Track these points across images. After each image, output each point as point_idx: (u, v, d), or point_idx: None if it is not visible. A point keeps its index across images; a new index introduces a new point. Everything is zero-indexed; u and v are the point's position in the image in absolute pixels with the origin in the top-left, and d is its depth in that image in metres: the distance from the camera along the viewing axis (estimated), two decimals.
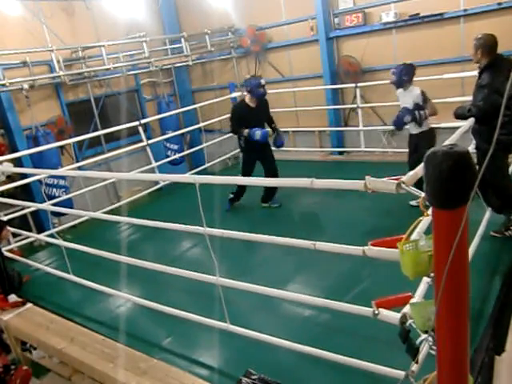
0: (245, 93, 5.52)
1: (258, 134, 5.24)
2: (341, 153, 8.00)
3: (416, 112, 4.69)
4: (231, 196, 5.77)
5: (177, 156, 8.24)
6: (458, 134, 3.16)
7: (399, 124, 4.85)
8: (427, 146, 4.63)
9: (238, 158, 8.77)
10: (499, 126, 1.47)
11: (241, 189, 5.65)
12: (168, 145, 8.56)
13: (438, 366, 1.60)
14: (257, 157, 5.57)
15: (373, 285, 3.59)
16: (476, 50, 3.71)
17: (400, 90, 4.96)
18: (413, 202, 4.75)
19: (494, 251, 3.82)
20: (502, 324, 2.97)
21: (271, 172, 5.54)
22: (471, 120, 3.67)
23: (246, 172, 5.50)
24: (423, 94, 4.81)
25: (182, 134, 8.42)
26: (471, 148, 3.86)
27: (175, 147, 8.58)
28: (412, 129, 4.97)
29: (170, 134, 7.83)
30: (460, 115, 3.77)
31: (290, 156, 7.62)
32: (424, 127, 4.84)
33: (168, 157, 8.15)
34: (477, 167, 1.38)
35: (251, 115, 5.34)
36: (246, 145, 5.45)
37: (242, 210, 5.85)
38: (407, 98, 4.84)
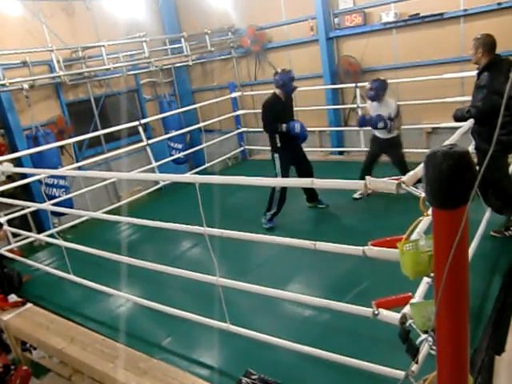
0: (276, 89, 5.08)
1: (297, 126, 4.87)
2: (341, 153, 8.00)
3: (388, 121, 5.13)
4: (271, 212, 5.11)
5: (181, 155, 8.24)
6: (457, 134, 3.16)
7: (363, 125, 5.38)
8: (401, 148, 5.36)
9: (238, 158, 8.81)
10: (499, 126, 1.47)
11: (282, 196, 5.08)
12: (172, 144, 8.56)
13: (438, 366, 1.60)
14: (291, 157, 5.19)
15: (373, 285, 3.59)
16: (476, 49, 3.70)
17: (375, 103, 5.30)
18: (356, 195, 5.52)
19: (494, 251, 3.82)
20: (501, 324, 2.97)
21: (308, 174, 5.17)
22: (471, 121, 3.67)
23: (285, 174, 5.12)
24: (398, 107, 5.28)
25: (183, 133, 8.43)
26: (470, 148, 3.86)
27: (179, 146, 8.56)
28: (381, 134, 5.35)
29: (173, 134, 7.84)
30: (459, 117, 3.76)
31: None
32: (393, 133, 5.30)
33: (172, 156, 8.16)
34: (477, 168, 1.38)
35: (284, 109, 5.08)
36: (281, 143, 5.02)
37: (242, 210, 5.85)
38: (382, 110, 5.21)
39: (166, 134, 8.17)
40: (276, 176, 5.19)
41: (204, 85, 9.89)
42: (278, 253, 4.30)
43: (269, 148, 5.31)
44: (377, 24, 7.13)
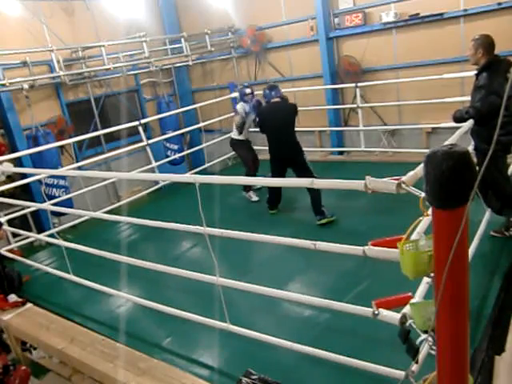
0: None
1: None
2: (341, 153, 7.99)
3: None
4: (323, 205, 5.05)
5: (176, 156, 8.25)
6: (457, 134, 3.16)
7: None
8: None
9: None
10: (499, 126, 1.47)
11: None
12: (168, 145, 8.57)
13: (438, 366, 1.60)
14: None
15: (373, 285, 3.59)
16: (476, 49, 3.70)
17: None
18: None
19: (494, 251, 3.82)
20: (501, 324, 2.97)
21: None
22: (471, 121, 3.67)
23: None
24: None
25: (182, 133, 8.42)
26: (470, 148, 3.87)
27: (175, 147, 8.58)
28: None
29: (170, 134, 7.84)
30: (459, 118, 3.76)
31: None
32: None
33: (168, 157, 8.15)
34: (476, 168, 1.38)
35: None
36: None
37: (242, 210, 5.85)
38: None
39: (163, 134, 8.16)
40: (312, 174, 5.03)
41: (204, 85, 9.89)
42: (278, 253, 4.29)
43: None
44: (377, 24, 7.13)
